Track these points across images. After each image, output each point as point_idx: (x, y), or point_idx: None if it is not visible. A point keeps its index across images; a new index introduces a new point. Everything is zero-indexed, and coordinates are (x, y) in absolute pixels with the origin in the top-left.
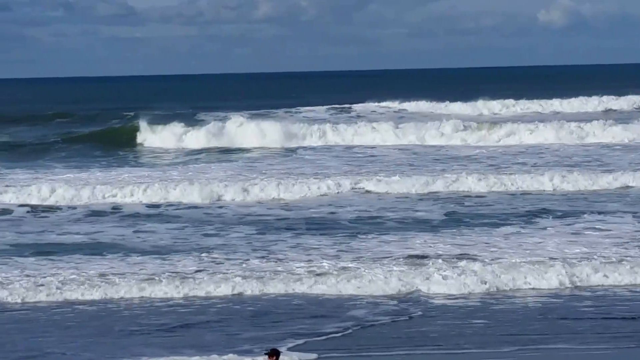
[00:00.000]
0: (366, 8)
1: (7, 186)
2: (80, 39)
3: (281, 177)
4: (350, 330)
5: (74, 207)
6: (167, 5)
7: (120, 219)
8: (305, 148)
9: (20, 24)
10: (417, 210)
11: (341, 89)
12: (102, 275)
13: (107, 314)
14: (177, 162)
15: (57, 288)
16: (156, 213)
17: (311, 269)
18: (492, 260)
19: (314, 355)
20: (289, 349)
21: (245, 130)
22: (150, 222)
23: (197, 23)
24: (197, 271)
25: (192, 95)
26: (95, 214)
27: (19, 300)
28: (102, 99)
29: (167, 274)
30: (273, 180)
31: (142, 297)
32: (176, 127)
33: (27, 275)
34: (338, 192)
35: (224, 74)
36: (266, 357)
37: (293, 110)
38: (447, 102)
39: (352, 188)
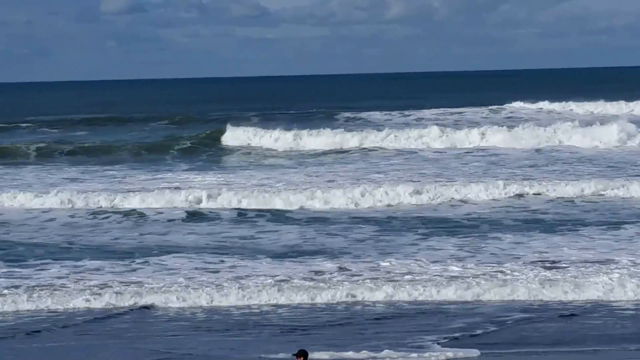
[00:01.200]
0: (498, 8)
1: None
2: (213, 40)
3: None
4: (508, 328)
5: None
6: (300, 6)
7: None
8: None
9: (155, 25)
10: None
11: (476, 88)
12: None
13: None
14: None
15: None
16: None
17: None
18: None
19: (476, 352)
20: (444, 345)
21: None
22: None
23: (328, 24)
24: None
25: (328, 96)
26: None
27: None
28: (233, 100)
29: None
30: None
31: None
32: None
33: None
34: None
35: (354, 75)
36: (294, 357)
37: (450, 110)
38: (622, 102)
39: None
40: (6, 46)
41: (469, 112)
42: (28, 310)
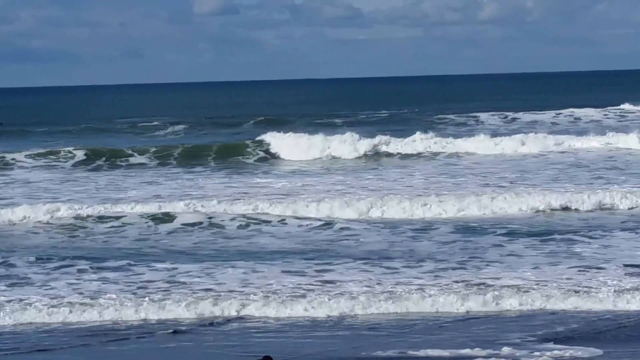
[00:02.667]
0: (592, 8)
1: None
2: (305, 41)
3: None
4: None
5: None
6: (393, 7)
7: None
8: None
9: (248, 27)
10: None
11: (572, 89)
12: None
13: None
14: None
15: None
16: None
17: None
18: None
19: (599, 351)
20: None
21: None
22: None
23: (421, 24)
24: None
25: (423, 97)
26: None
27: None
28: (326, 101)
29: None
30: None
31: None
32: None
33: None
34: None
35: (448, 75)
36: None
37: (564, 112)
38: None
39: None
40: (99, 49)
41: (582, 113)
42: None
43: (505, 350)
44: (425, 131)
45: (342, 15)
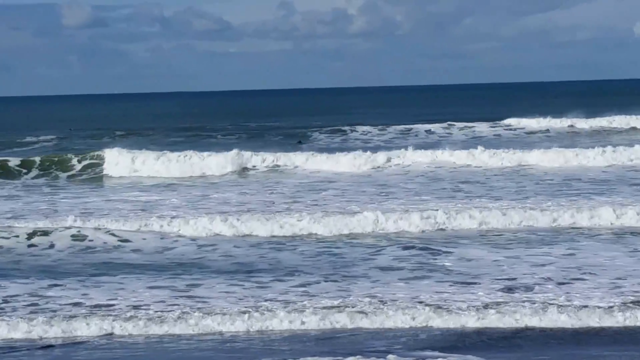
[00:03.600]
0: (461, 22)
1: None
2: (175, 54)
3: None
4: None
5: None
6: (262, 20)
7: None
8: None
9: (117, 39)
10: None
11: (442, 104)
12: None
13: None
14: None
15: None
16: None
17: None
18: None
19: None
20: None
21: None
22: None
23: (292, 38)
24: None
25: (304, 111)
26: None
27: None
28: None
29: None
30: None
31: None
32: None
33: None
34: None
35: (319, 89)
36: None
37: (459, 125)
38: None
39: None
40: None
41: (466, 127)
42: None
43: (391, 357)
44: (298, 142)
45: (212, 28)
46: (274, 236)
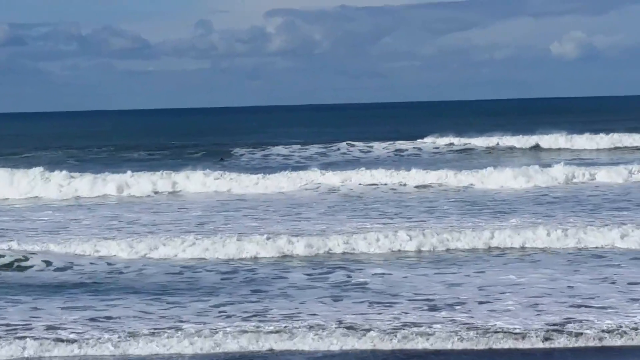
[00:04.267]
0: (380, 41)
1: None
2: (94, 72)
3: None
4: None
5: None
6: (180, 39)
7: None
8: None
9: (35, 58)
10: None
11: (363, 121)
12: None
13: None
14: None
15: None
16: None
17: None
18: None
19: None
20: None
21: None
22: None
23: (210, 56)
24: None
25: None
26: None
27: None
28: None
29: None
30: None
31: None
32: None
33: None
34: None
35: (237, 107)
36: None
37: (359, 144)
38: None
39: None
40: None
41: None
42: None
43: None
44: (220, 160)
45: (130, 46)
46: (192, 258)
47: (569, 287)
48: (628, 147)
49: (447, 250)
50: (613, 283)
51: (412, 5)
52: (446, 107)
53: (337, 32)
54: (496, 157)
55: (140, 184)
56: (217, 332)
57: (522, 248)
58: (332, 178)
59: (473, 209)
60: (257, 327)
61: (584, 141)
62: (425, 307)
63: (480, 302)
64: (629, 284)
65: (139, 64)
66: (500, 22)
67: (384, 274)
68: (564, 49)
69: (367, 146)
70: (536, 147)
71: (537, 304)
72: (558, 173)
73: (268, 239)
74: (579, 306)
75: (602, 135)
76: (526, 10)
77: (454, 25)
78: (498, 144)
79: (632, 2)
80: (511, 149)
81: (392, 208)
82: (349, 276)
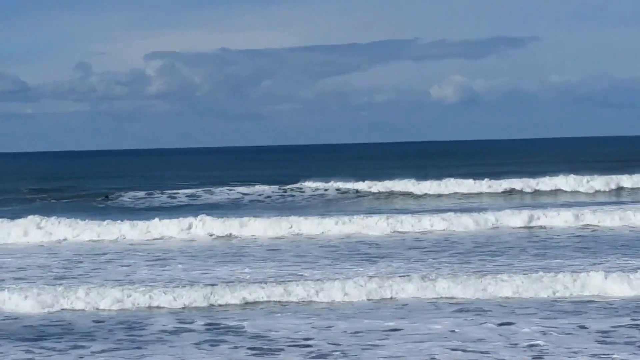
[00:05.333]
0: (260, 84)
1: None
2: None
3: None
4: None
5: None
6: (60, 81)
7: None
8: None
9: None
10: None
11: (247, 164)
12: None
13: None
14: None
15: None
16: None
17: None
18: None
19: None
20: None
21: None
22: None
23: (89, 99)
24: None
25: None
26: None
27: None
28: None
29: None
30: None
31: None
32: None
33: None
34: None
35: (115, 150)
36: None
37: (238, 189)
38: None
39: None
40: None
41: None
42: None
43: None
44: (104, 198)
45: (8, 89)
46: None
47: None
48: (469, 193)
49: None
50: None
51: (292, 49)
52: (325, 150)
53: (217, 75)
54: (327, 202)
55: None
56: None
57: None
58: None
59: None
60: None
61: (429, 186)
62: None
63: None
64: None
65: (18, 107)
66: (381, 66)
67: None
68: (443, 93)
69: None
70: (389, 193)
71: None
72: (382, 223)
73: None
74: None
75: (450, 179)
76: (406, 55)
77: (334, 68)
78: (339, 188)
79: (511, 46)
80: (358, 192)
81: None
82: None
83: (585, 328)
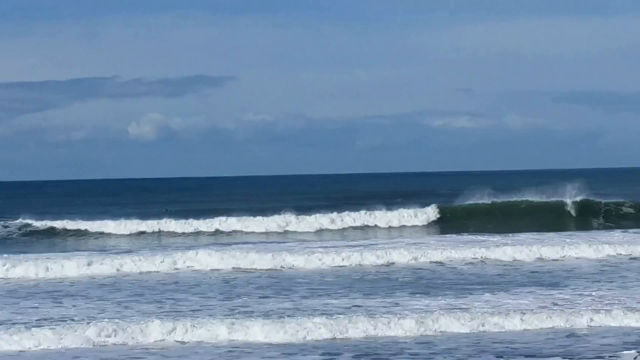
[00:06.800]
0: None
1: None
2: None
3: None
4: None
5: None
6: None
7: None
8: None
9: None
10: None
11: None
12: None
13: None
14: None
15: None
16: None
17: None
18: None
19: None
20: None
21: None
22: None
23: None
24: None
25: None
26: None
27: None
28: None
29: None
30: None
31: None
32: None
33: None
34: None
35: None
36: None
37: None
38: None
39: None
40: None
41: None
42: None
43: None
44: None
45: None
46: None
47: None
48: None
49: None
50: None
51: None
52: (22, 187)
53: None
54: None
55: None
56: None
57: None
58: None
59: None
60: None
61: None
62: None
63: None
64: None
65: None
66: (78, 103)
67: None
68: (141, 130)
69: None
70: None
71: None
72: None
73: None
74: None
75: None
76: (105, 92)
77: (31, 105)
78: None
79: (209, 85)
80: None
81: None
82: None
83: None
